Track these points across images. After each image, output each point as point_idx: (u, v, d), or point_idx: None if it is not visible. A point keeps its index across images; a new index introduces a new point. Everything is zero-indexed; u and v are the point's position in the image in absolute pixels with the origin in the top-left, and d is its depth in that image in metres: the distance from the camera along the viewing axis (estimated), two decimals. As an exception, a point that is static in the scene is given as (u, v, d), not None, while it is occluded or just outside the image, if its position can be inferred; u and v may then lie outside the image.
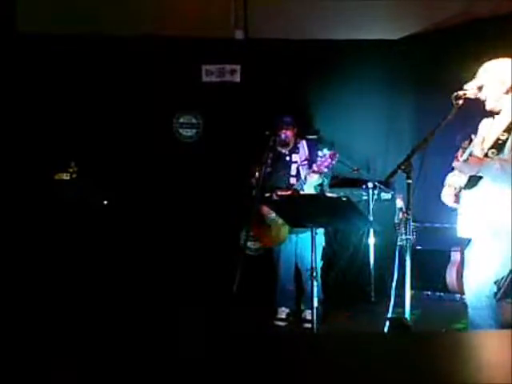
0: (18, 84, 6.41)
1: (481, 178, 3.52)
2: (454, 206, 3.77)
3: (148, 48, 6.61)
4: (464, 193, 3.66)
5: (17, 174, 6.23)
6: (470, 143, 3.64)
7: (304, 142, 5.30)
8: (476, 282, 3.59)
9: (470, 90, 3.65)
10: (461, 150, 3.67)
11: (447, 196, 3.81)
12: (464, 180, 3.62)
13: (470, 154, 3.55)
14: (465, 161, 3.57)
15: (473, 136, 3.66)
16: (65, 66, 6.49)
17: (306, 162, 5.17)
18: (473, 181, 3.55)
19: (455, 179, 3.71)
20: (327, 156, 4.80)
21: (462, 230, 3.66)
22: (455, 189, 3.72)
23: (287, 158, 5.28)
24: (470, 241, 3.70)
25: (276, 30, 6.68)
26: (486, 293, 3.56)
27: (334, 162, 4.84)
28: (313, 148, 5.26)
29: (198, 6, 6.72)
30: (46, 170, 6.02)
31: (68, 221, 5.80)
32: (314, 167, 4.88)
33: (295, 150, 5.27)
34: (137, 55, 6.61)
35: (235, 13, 6.86)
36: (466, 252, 3.77)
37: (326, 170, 4.86)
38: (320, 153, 4.89)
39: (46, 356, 2.09)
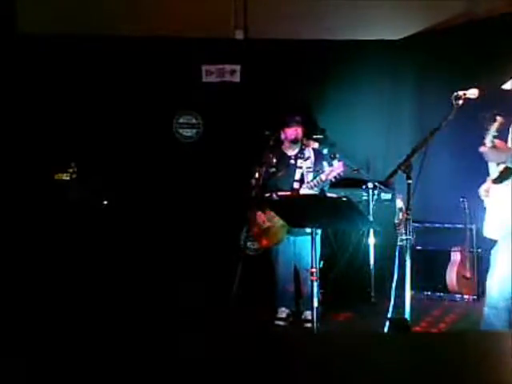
0: (18, 84, 6.41)
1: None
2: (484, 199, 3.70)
3: (148, 48, 6.61)
4: (492, 189, 3.59)
5: (17, 174, 6.23)
6: (494, 123, 3.45)
7: (311, 149, 5.30)
8: (498, 282, 3.56)
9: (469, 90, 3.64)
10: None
11: (482, 189, 3.72)
12: (495, 172, 3.52)
13: (495, 137, 3.38)
14: (492, 147, 3.40)
15: (498, 117, 3.48)
16: (65, 66, 6.49)
17: (311, 169, 5.18)
18: (504, 175, 3.45)
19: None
20: (336, 167, 4.83)
21: (488, 230, 3.63)
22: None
23: (292, 162, 5.26)
24: (496, 241, 3.68)
25: (276, 30, 6.68)
26: (506, 295, 3.53)
27: (342, 174, 4.87)
28: (318, 155, 5.28)
29: (198, 6, 6.72)
30: (46, 170, 6.01)
31: (68, 221, 5.80)
32: (322, 176, 4.90)
33: (301, 155, 5.26)
34: (137, 55, 6.61)
35: (235, 13, 6.86)
36: (492, 252, 3.73)
37: (333, 179, 4.89)
38: (325, 163, 4.94)
39: (47, 355, 2.09)
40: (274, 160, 5.15)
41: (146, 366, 1.95)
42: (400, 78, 6.69)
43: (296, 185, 5.18)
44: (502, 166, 3.51)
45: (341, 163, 4.87)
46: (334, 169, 4.86)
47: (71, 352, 2.14)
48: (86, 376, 1.91)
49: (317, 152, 5.31)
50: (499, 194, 3.56)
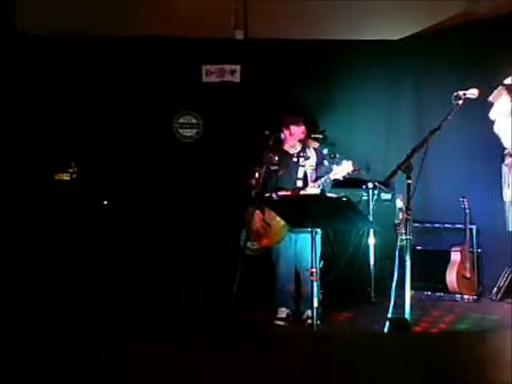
0: (17, 84, 6.41)
1: None
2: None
3: (148, 48, 6.61)
4: None
5: (17, 174, 6.23)
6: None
7: (312, 149, 5.32)
8: None
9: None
10: None
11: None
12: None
13: None
14: None
15: None
16: (65, 66, 6.49)
17: (314, 167, 5.19)
18: None
19: None
20: (346, 166, 4.83)
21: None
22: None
23: (294, 160, 5.26)
24: None
25: (276, 30, 6.68)
26: None
27: (350, 173, 4.87)
28: (320, 154, 5.29)
29: (198, 7, 6.72)
30: (46, 170, 6.01)
31: (68, 221, 5.80)
32: (331, 175, 4.91)
33: (303, 154, 5.25)
34: (137, 55, 6.61)
35: (235, 13, 6.86)
36: None
37: (341, 178, 4.89)
38: (326, 162, 4.95)
39: (46, 355, 2.09)
40: (276, 158, 5.14)
41: (146, 365, 1.95)
42: (400, 78, 6.68)
43: (299, 183, 5.18)
44: None
45: (350, 162, 4.86)
46: (344, 168, 4.86)
47: (71, 352, 2.14)
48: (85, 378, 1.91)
49: (318, 151, 5.33)
50: None
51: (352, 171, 4.87)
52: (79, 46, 6.48)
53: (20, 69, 6.41)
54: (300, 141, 5.26)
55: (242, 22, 6.88)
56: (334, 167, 4.91)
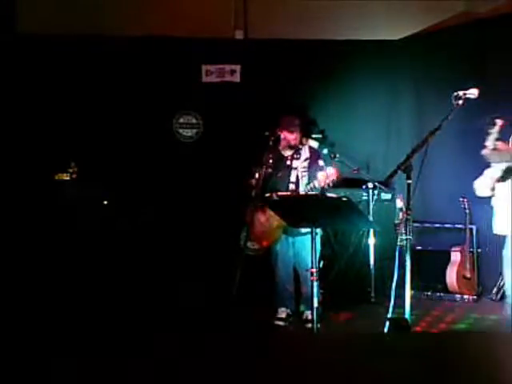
0: (17, 84, 6.41)
1: None
2: (488, 195, 3.75)
3: (148, 48, 6.61)
4: (498, 187, 3.62)
5: (17, 174, 6.23)
6: (494, 127, 3.57)
7: (307, 148, 5.29)
8: None
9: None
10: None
11: (482, 187, 3.76)
12: (498, 172, 3.58)
13: (497, 140, 3.49)
14: (494, 149, 3.51)
15: (497, 120, 3.59)
16: (65, 66, 6.49)
17: (306, 169, 5.17)
18: (508, 172, 3.51)
19: (491, 171, 3.68)
20: (330, 173, 4.79)
21: (497, 227, 3.64)
22: (491, 180, 3.69)
23: (288, 163, 5.25)
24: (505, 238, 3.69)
25: (276, 30, 6.68)
26: None
27: (336, 180, 4.83)
28: (315, 154, 5.26)
29: (198, 6, 6.72)
30: (46, 170, 6.01)
31: (68, 221, 5.80)
32: (316, 182, 4.87)
33: (297, 156, 5.24)
34: (137, 55, 6.61)
35: (235, 13, 6.86)
36: (503, 251, 3.75)
37: (326, 186, 4.86)
38: (321, 171, 4.95)
39: (47, 356, 2.09)
40: (271, 161, 5.13)
41: (145, 364, 1.95)
42: (399, 78, 6.68)
43: (292, 186, 5.17)
44: (505, 165, 3.55)
45: (335, 169, 4.81)
46: (328, 175, 4.79)
47: (70, 352, 2.14)
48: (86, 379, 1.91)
49: (313, 150, 5.29)
50: (505, 192, 3.58)
51: (337, 177, 4.82)
52: (79, 45, 6.48)
53: (20, 69, 6.41)
54: (291, 147, 5.23)
55: (242, 22, 6.89)
56: (319, 174, 4.85)
